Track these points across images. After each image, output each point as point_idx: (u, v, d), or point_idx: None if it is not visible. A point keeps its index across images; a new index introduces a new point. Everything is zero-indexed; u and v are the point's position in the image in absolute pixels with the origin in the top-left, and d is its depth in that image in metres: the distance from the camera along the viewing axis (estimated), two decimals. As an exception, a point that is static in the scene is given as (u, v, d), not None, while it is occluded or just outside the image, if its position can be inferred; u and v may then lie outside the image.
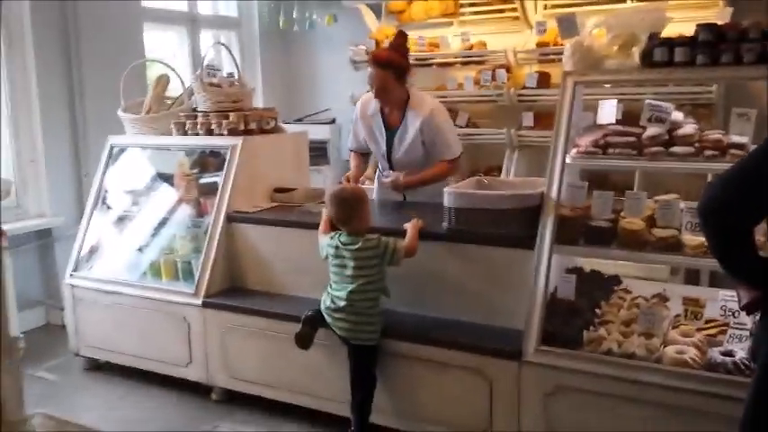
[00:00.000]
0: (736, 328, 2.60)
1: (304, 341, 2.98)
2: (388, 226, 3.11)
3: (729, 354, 2.48)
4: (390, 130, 3.72)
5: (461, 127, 5.14)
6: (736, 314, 2.63)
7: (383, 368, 3.00)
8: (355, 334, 2.93)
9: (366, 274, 2.90)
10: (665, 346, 2.61)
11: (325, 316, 2.98)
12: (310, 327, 2.99)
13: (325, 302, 2.98)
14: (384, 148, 3.74)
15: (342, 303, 2.91)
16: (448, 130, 3.70)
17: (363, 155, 4.00)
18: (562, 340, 2.71)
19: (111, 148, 4.10)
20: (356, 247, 2.89)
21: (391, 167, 3.75)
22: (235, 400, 3.46)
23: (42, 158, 4.54)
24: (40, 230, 4.55)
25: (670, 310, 2.89)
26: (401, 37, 3.81)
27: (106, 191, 4.09)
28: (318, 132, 5.66)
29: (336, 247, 2.93)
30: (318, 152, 5.63)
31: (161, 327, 3.62)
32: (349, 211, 2.92)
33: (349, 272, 2.90)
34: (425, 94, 3.91)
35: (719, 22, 2.80)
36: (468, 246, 3.01)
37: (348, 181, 3.77)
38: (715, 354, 2.50)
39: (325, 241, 3.00)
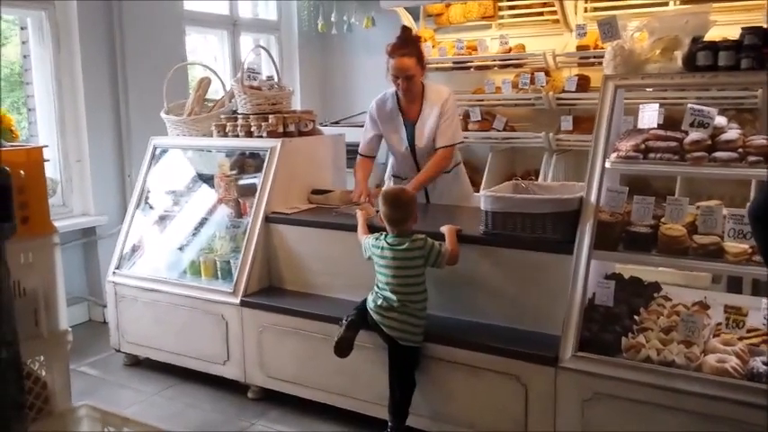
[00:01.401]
0: (780, 338, 2.55)
1: (343, 347, 2.98)
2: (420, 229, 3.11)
3: (772, 363, 2.43)
4: (410, 125, 3.79)
5: (499, 131, 5.13)
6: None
7: (419, 371, 3.01)
8: (404, 334, 2.94)
9: (413, 274, 2.93)
10: (705, 355, 2.56)
11: (374, 315, 2.98)
12: (353, 331, 3.00)
13: (376, 302, 2.98)
14: (407, 143, 3.78)
15: (395, 304, 2.92)
16: (456, 115, 3.86)
17: (371, 160, 4.06)
18: (600, 347, 2.68)
19: (154, 148, 4.19)
20: (403, 247, 2.91)
21: (416, 161, 3.80)
22: (271, 399, 3.50)
23: (87, 159, 4.66)
24: (85, 229, 4.67)
25: (711, 318, 2.85)
26: (407, 29, 3.92)
27: (148, 191, 4.18)
28: (355, 135, 5.65)
29: (382, 248, 2.96)
30: (355, 154, 5.64)
31: (200, 325, 3.68)
32: (404, 212, 2.95)
33: (396, 272, 2.92)
34: (438, 84, 4.03)
35: (766, 26, 2.75)
36: (505, 250, 3.00)
37: (360, 197, 3.73)
38: (757, 363, 2.45)
39: (370, 242, 3.03)
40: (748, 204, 1.78)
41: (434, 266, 2.95)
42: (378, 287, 3.00)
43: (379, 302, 2.97)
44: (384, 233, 3.00)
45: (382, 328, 2.96)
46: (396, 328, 2.94)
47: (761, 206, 1.64)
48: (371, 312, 2.99)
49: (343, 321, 3.01)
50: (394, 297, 2.93)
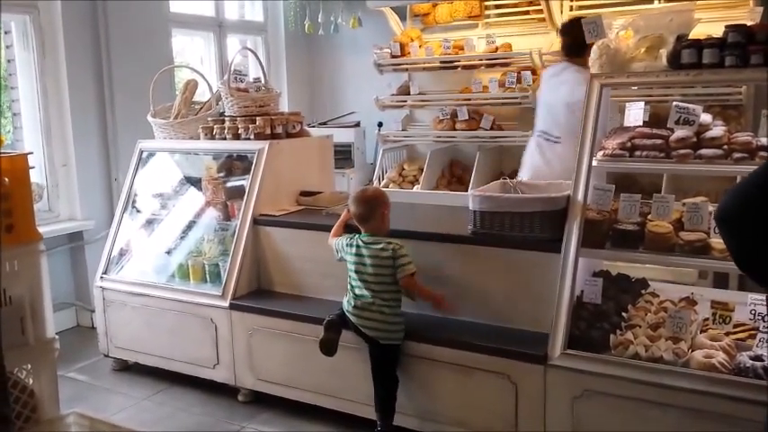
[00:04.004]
0: (766, 332, 2.56)
1: (329, 347, 2.99)
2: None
3: (759, 358, 2.45)
4: None
5: (486, 130, 5.14)
6: (766, 318, 2.60)
7: (409, 371, 3.02)
8: (383, 333, 2.96)
9: (386, 273, 2.95)
10: (692, 351, 2.58)
11: (351, 317, 3.00)
12: (334, 332, 3.01)
13: (350, 303, 3.00)
14: None
15: (369, 301, 2.95)
16: None
17: None
18: (588, 344, 2.69)
19: (141, 152, 4.17)
20: (378, 247, 2.94)
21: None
22: (261, 402, 3.50)
23: (74, 163, 4.62)
24: (71, 233, 4.64)
25: (698, 313, 2.87)
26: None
27: (135, 194, 4.16)
28: (343, 135, 5.69)
29: (357, 246, 2.98)
30: (343, 155, 5.67)
31: (189, 328, 3.67)
32: (367, 209, 2.98)
33: (370, 270, 2.94)
34: None
35: (749, 23, 2.77)
36: (493, 249, 3.01)
37: None
38: (744, 358, 2.47)
39: (343, 242, 3.06)
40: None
41: (396, 274, 2.93)
42: (351, 285, 3.02)
43: (354, 303, 2.99)
44: (357, 234, 3.03)
45: (361, 329, 2.98)
46: (374, 328, 2.96)
47: (726, 208, 1.65)
48: (349, 315, 3.01)
49: (324, 322, 3.04)
50: (368, 293, 2.95)
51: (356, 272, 2.99)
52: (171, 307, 3.73)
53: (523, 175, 4.14)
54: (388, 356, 2.99)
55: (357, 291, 2.99)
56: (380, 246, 2.94)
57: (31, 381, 2.28)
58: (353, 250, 2.99)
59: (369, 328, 2.97)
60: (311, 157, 4.07)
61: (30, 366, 2.28)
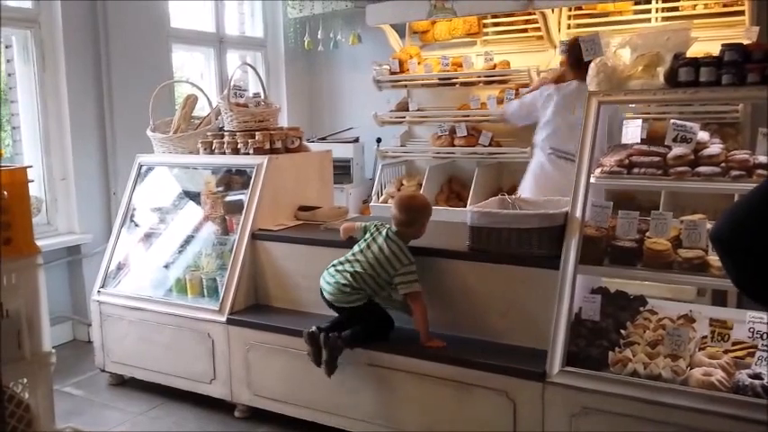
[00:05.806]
0: (765, 350, 2.56)
1: (314, 361, 3.05)
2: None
3: (757, 376, 2.44)
4: None
5: (484, 146, 5.16)
6: (765, 336, 2.59)
7: (406, 386, 3.00)
8: (339, 296, 3.04)
9: (378, 270, 3.02)
10: (691, 368, 2.57)
11: (322, 283, 3.09)
12: (313, 344, 3.05)
13: (330, 272, 3.09)
14: None
15: (343, 281, 3.02)
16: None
17: None
18: (587, 361, 2.69)
19: (140, 166, 4.18)
20: (395, 249, 3.01)
21: None
22: (258, 418, 3.47)
23: (72, 177, 4.63)
24: (69, 247, 4.63)
25: (697, 331, 2.86)
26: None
27: (134, 208, 4.16)
28: (342, 151, 5.72)
29: (380, 233, 3.07)
30: (342, 170, 5.69)
31: (186, 343, 3.65)
32: (409, 216, 3.07)
33: (372, 261, 3.02)
34: None
35: (746, 42, 2.80)
36: (491, 265, 3.01)
37: None
38: (743, 376, 2.46)
39: (374, 222, 3.15)
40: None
41: (395, 287, 3.01)
42: (347, 260, 3.08)
43: (333, 273, 3.07)
44: (388, 225, 3.12)
45: (322, 292, 3.07)
46: (330, 291, 3.06)
47: (722, 228, 1.64)
48: (322, 280, 3.10)
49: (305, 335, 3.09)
50: (350, 271, 3.02)
51: (361, 250, 3.06)
52: (168, 321, 3.72)
53: (530, 191, 4.11)
54: (362, 314, 3.04)
55: (347, 266, 3.05)
56: (398, 251, 3.00)
57: (26, 395, 2.27)
58: (375, 233, 3.09)
59: (327, 290, 3.06)
60: (310, 172, 4.08)
61: (26, 381, 2.27)
